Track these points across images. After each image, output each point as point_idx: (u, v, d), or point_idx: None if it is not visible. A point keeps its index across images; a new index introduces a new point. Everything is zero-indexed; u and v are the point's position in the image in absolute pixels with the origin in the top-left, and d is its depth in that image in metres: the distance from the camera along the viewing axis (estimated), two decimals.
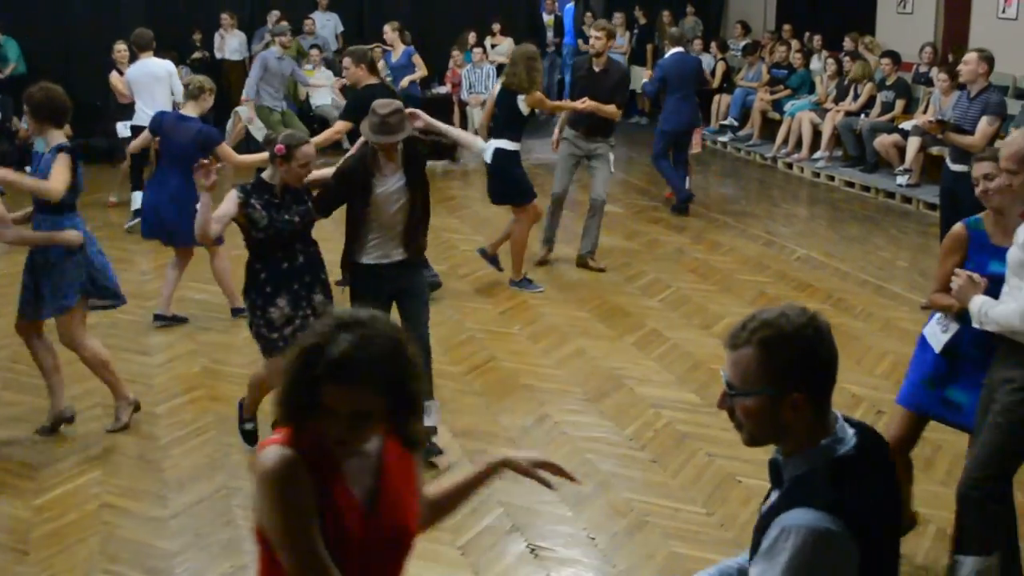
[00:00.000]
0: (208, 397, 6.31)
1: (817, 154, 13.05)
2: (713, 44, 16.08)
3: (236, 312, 7.47)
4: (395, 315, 5.50)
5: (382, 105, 5.21)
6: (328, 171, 5.49)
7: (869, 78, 12.62)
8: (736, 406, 2.33)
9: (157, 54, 10.01)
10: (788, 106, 13.74)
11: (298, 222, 5.23)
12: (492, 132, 8.36)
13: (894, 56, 12.46)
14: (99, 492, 5.19)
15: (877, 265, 9.19)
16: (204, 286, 8.10)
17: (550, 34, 17.23)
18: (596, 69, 8.83)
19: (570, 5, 18.17)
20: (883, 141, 11.90)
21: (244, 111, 12.39)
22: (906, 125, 11.62)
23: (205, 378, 6.65)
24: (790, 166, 13.44)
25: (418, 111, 5.94)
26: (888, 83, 12.37)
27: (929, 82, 12.06)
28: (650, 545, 4.79)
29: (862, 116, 12.48)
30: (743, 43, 16.01)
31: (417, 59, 13.51)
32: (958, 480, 4.12)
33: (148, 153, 9.96)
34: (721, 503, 5.14)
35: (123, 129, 10.78)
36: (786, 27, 15.80)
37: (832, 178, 12.67)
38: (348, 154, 5.73)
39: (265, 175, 5.23)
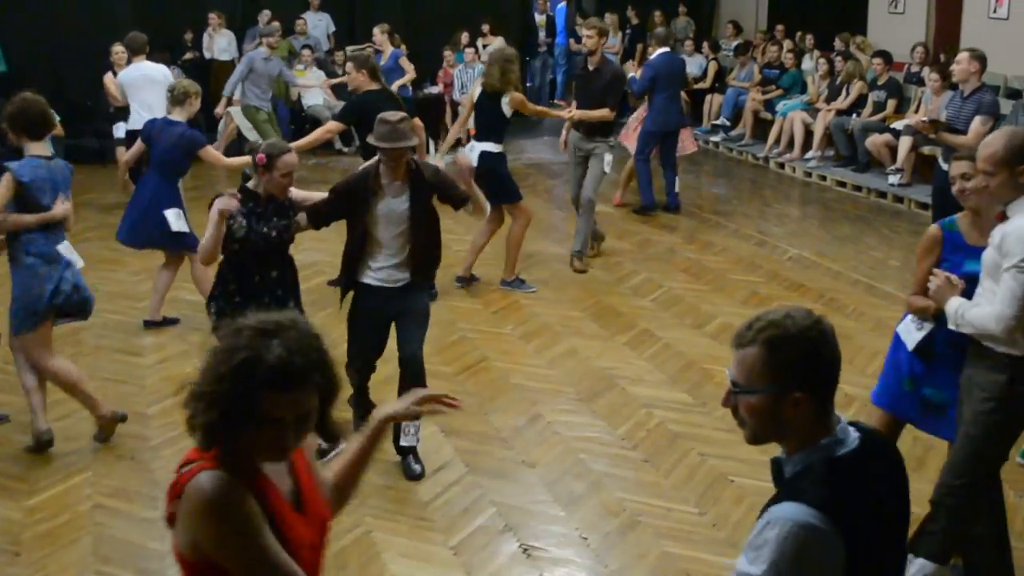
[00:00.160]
0: None
1: (809, 154, 13.07)
2: (705, 44, 16.12)
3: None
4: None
5: (391, 114, 5.24)
6: (316, 194, 5.42)
7: (859, 76, 12.65)
8: (740, 404, 2.37)
9: (150, 57, 10.00)
10: (780, 106, 13.76)
11: (275, 236, 5.14)
12: (476, 135, 8.36)
13: (886, 56, 12.49)
14: (91, 493, 5.18)
15: (869, 265, 9.21)
16: (190, 289, 8.08)
17: (542, 34, 17.24)
18: (590, 68, 8.88)
19: (562, 5, 18.17)
20: (875, 141, 11.93)
21: (236, 111, 12.38)
22: (898, 125, 11.66)
23: None
24: (782, 166, 13.47)
25: (469, 170, 5.79)
26: (880, 83, 12.40)
27: (921, 82, 12.08)
28: (642, 545, 4.79)
29: (854, 116, 12.50)
30: (735, 43, 16.02)
31: (405, 62, 13.48)
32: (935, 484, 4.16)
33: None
34: (713, 503, 5.15)
35: (118, 130, 10.76)
36: (778, 27, 15.82)
37: (824, 178, 12.69)
38: (355, 171, 5.69)
39: (250, 184, 5.18)
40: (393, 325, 5.47)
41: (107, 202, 10.94)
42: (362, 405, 5.74)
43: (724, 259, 9.40)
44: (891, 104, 12.26)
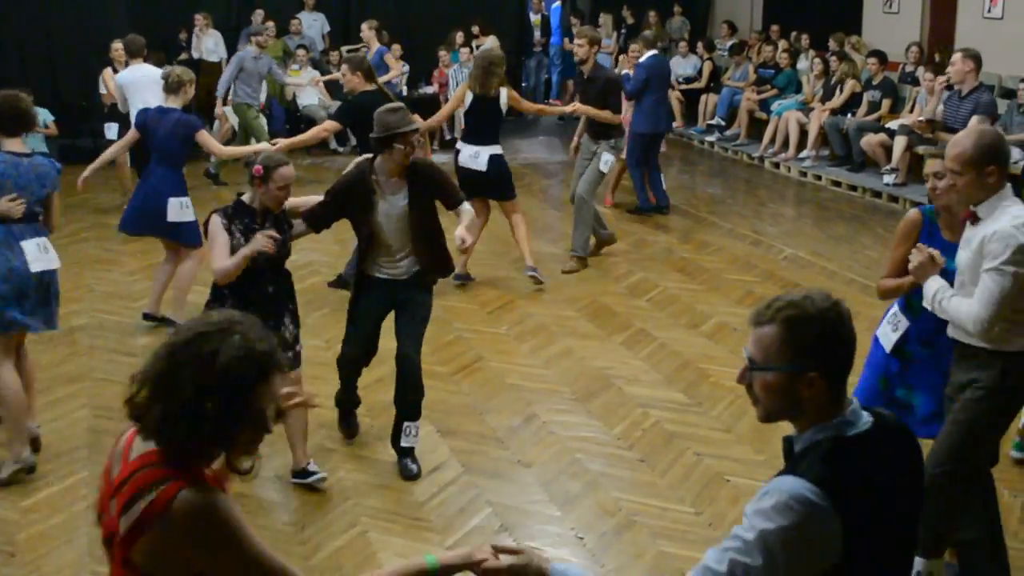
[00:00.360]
0: None
1: (804, 153, 13.08)
2: (699, 44, 16.13)
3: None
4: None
5: (391, 106, 5.28)
6: (310, 198, 5.37)
7: (852, 75, 12.67)
8: (755, 381, 2.42)
9: (146, 58, 9.98)
10: (775, 106, 13.77)
11: (274, 252, 5.04)
12: (471, 138, 8.34)
13: (880, 56, 12.50)
14: (86, 493, 5.16)
15: (864, 264, 9.22)
16: (193, 286, 8.06)
17: (537, 33, 17.24)
18: (584, 76, 9.03)
19: (556, 4, 18.17)
20: (870, 140, 11.94)
21: (230, 111, 12.40)
22: (893, 124, 11.66)
23: None
24: (777, 166, 13.47)
25: (466, 236, 5.48)
26: (874, 82, 12.41)
27: (915, 81, 12.11)
28: (638, 544, 4.79)
29: (849, 116, 12.51)
30: (730, 43, 16.05)
31: (390, 59, 13.48)
32: None
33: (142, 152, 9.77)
34: (709, 502, 5.15)
35: (109, 131, 10.75)
36: (773, 27, 15.83)
37: (819, 177, 12.70)
38: (346, 171, 5.67)
39: (245, 198, 5.05)
40: (393, 323, 5.46)
41: (102, 202, 10.93)
42: (346, 405, 5.73)
43: (719, 259, 9.41)
44: (886, 104, 12.28)
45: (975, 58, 7.76)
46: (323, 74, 14.40)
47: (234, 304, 5.01)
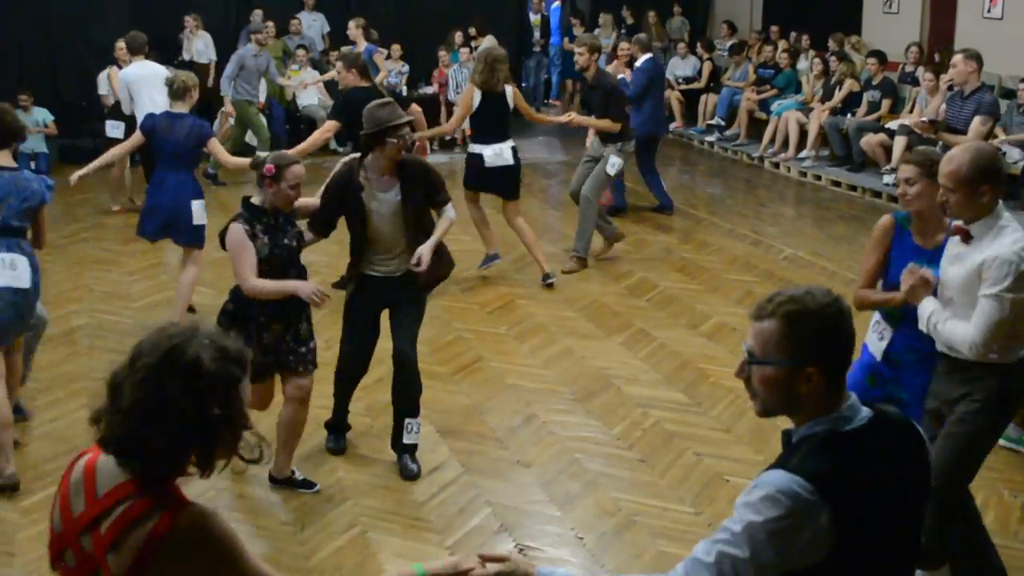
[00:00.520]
0: None
1: (803, 153, 13.08)
2: (699, 44, 16.13)
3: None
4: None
5: (381, 101, 5.29)
6: (310, 200, 5.36)
7: (851, 75, 12.66)
8: (754, 375, 2.44)
9: (147, 55, 9.97)
10: (775, 106, 13.76)
11: (295, 246, 5.06)
12: (488, 139, 8.34)
13: (880, 56, 12.50)
14: None
15: None
16: (196, 288, 8.06)
17: (537, 34, 17.23)
18: (588, 82, 9.08)
19: (556, 5, 18.17)
20: (869, 140, 11.93)
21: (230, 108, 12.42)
22: (892, 124, 11.66)
23: None
24: (777, 166, 13.47)
25: (424, 255, 5.26)
26: (874, 83, 12.41)
27: (915, 81, 12.10)
28: (638, 545, 4.79)
29: (848, 116, 12.51)
30: (730, 43, 16.04)
31: (379, 58, 13.49)
32: None
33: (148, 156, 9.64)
34: (709, 502, 5.15)
35: (112, 129, 10.73)
36: (773, 27, 15.83)
37: (819, 177, 12.70)
38: (335, 170, 5.65)
39: (254, 200, 4.98)
40: (388, 322, 5.46)
41: (102, 202, 10.93)
42: (339, 411, 5.69)
43: (719, 259, 9.41)
44: (886, 104, 12.28)
45: (976, 58, 7.76)
46: (322, 74, 14.39)
47: (261, 309, 4.96)
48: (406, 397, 5.42)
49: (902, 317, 4.25)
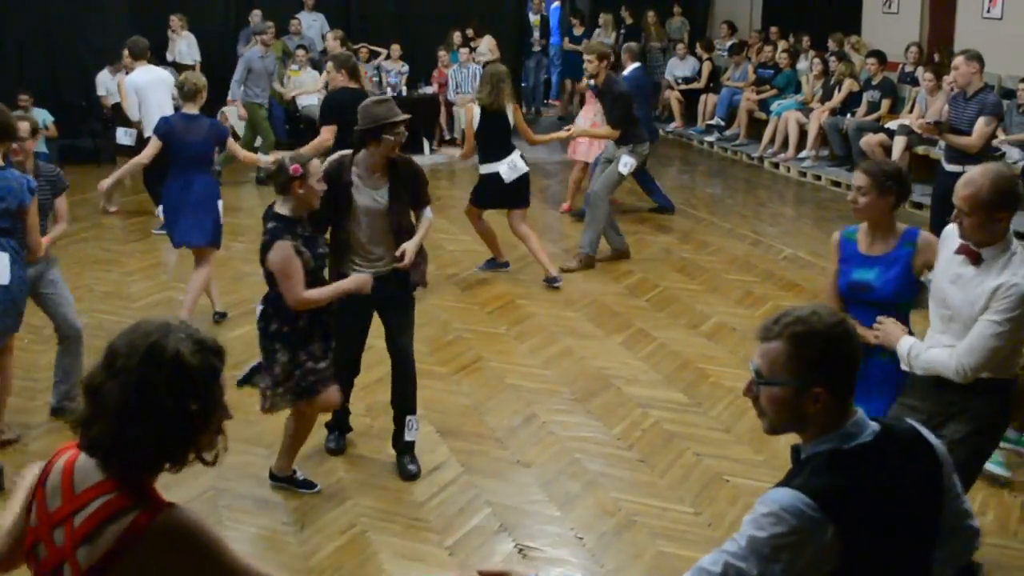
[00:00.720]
0: None
1: (803, 153, 13.09)
2: (699, 44, 16.14)
3: (219, 317, 7.55)
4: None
5: (376, 97, 5.30)
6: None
7: (850, 75, 12.67)
8: (762, 395, 2.46)
9: (149, 61, 9.97)
10: (774, 106, 13.77)
11: (327, 252, 5.02)
12: (498, 155, 8.36)
13: (880, 56, 12.51)
14: None
15: None
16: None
17: (536, 34, 17.22)
18: (599, 89, 9.11)
19: (556, 5, 18.17)
20: (869, 140, 11.92)
21: (232, 112, 12.41)
22: (892, 124, 11.66)
23: None
24: (776, 166, 13.47)
25: (409, 249, 5.30)
26: (874, 83, 12.42)
27: (915, 82, 12.10)
28: (638, 545, 4.79)
29: (848, 116, 12.51)
30: (729, 43, 16.04)
31: (360, 67, 13.49)
32: None
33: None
34: (709, 503, 5.15)
35: (123, 136, 10.68)
36: (773, 27, 15.83)
37: (818, 177, 12.70)
38: (324, 166, 5.60)
39: (280, 210, 4.84)
40: (380, 323, 5.44)
41: (101, 202, 10.93)
42: (339, 411, 5.66)
43: (719, 259, 9.41)
44: (885, 104, 12.28)
45: (978, 59, 7.73)
46: (322, 74, 14.37)
47: (307, 318, 4.91)
48: (406, 393, 5.42)
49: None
